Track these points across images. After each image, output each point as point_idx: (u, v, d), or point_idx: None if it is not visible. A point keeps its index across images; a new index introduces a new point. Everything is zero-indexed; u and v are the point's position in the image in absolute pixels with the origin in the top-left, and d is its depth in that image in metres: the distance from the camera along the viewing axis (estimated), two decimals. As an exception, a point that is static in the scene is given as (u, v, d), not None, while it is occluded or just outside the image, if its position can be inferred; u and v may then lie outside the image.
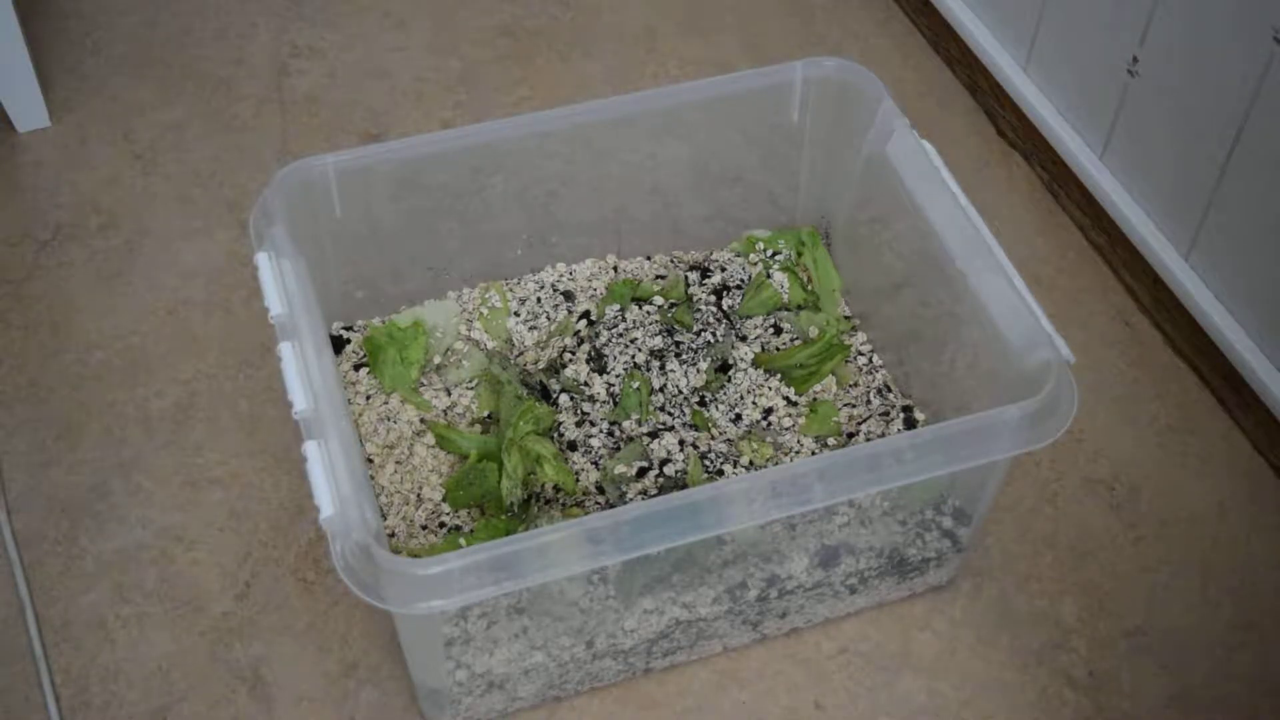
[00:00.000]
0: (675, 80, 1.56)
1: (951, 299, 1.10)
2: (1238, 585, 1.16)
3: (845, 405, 1.20)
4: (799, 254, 1.28)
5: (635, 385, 1.16)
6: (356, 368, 1.21)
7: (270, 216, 1.07)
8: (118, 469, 1.21)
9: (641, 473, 1.12)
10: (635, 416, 1.16)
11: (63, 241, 1.38)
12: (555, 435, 1.15)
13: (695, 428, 1.16)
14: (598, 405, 1.17)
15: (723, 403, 1.18)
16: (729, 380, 1.19)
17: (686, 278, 1.26)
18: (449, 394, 1.19)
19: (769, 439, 1.15)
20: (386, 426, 1.16)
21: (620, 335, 1.21)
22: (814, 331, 1.23)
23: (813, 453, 1.16)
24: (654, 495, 1.10)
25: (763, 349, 1.23)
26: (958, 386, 1.14)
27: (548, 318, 1.24)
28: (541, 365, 1.20)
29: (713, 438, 1.15)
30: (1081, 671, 1.11)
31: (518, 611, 1.00)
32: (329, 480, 0.90)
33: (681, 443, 1.14)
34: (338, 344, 1.23)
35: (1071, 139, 1.38)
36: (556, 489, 1.11)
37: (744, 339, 1.23)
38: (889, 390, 1.21)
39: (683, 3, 1.64)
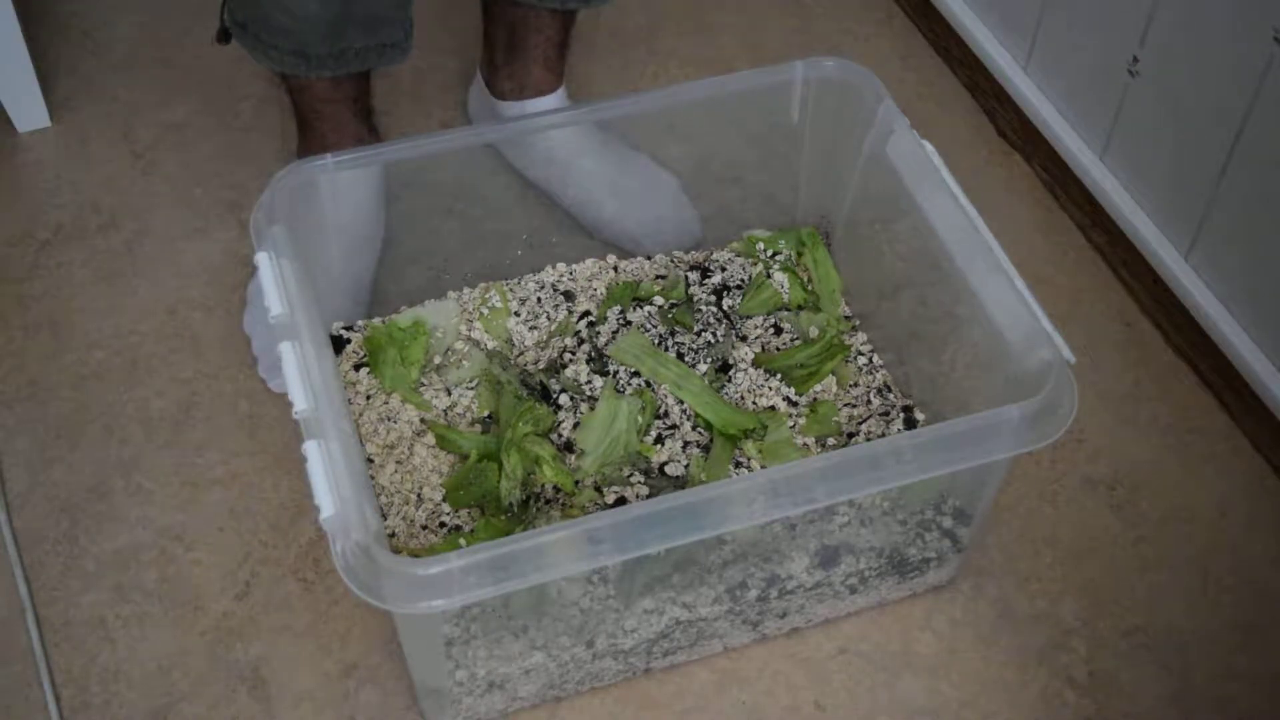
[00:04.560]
0: (675, 80, 1.55)
1: (951, 299, 1.10)
2: (1238, 585, 1.16)
3: (845, 405, 1.20)
4: (799, 254, 1.28)
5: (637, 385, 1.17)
6: (356, 368, 1.21)
7: (270, 216, 1.07)
8: (118, 469, 1.21)
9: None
10: (635, 416, 1.16)
11: (63, 241, 1.38)
12: (555, 435, 1.15)
13: (696, 428, 1.16)
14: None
15: (723, 403, 1.18)
16: (729, 380, 1.19)
17: (686, 278, 1.26)
18: (449, 394, 1.20)
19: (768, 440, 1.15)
20: (386, 426, 1.16)
21: (621, 336, 1.21)
22: (814, 331, 1.23)
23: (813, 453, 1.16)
24: (654, 496, 1.10)
25: (763, 349, 1.23)
26: (958, 386, 1.14)
27: (548, 318, 1.24)
28: (541, 365, 1.20)
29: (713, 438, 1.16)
30: (1081, 671, 1.11)
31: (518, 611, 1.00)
32: (329, 480, 0.90)
33: (685, 444, 1.14)
34: (338, 344, 1.23)
35: (1071, 139, 1.38)
36: (556, 489, 1.11)
37: (744, 339, 1.23)
38: (889, 390, 1.21)
39: (683, 3, 1.64)
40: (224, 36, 1.22)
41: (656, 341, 1.19)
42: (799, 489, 0.92)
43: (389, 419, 1.17)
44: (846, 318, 1.26)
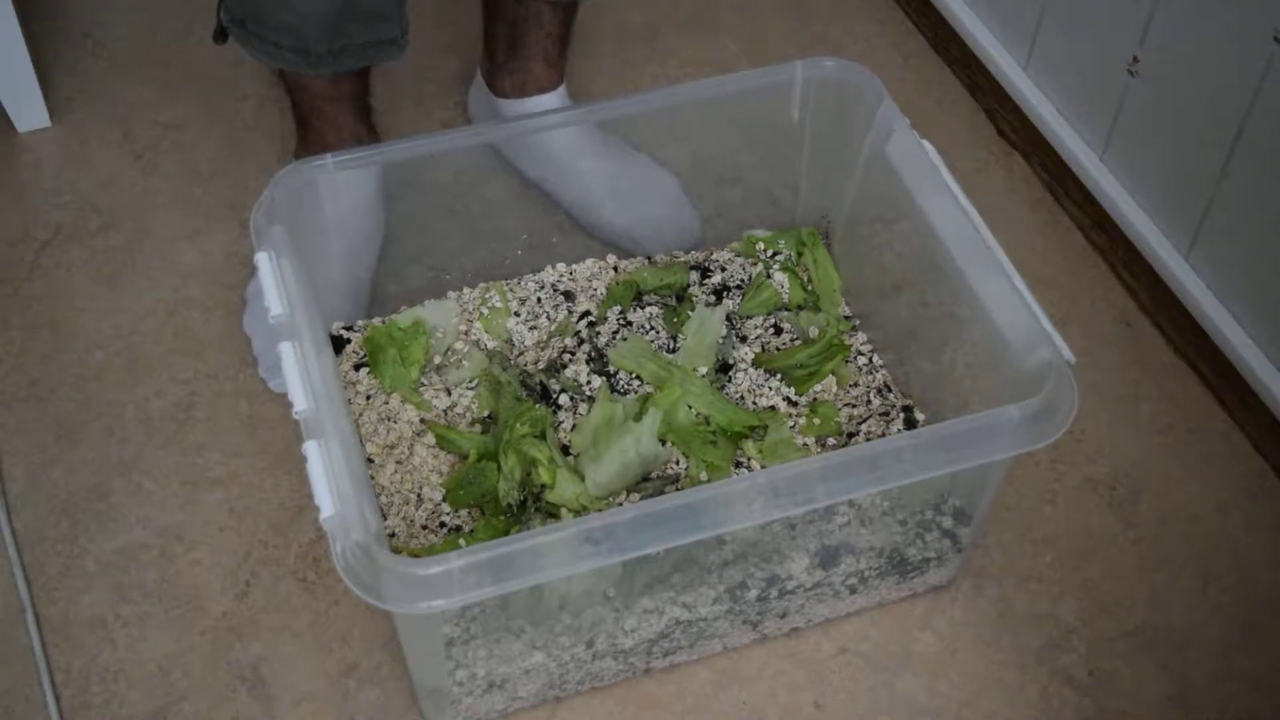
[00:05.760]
0: (675, 80, 1.56)
1: (951, 299, 1.10)
2: (1238, 585, 1.16)
3: (845, 405, 1.20)
4: (799, 254, 1.28)
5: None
6: (356, 368, 1.21)
7: (270, 216, 1.07)
8: (118, 469, 1.21)
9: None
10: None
11: (63, 241, 1.38)
12: (559, 435, 1.15)
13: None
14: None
15: (723, 403, 1.18)
16: (729, 380, 1.19)
17: (687, 278, 1.26)
18: (449, 394, 1.20)
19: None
20: (386, 426, 1.16)
21: (621, 336, 1.21)
22: (814, 331, 1.23)
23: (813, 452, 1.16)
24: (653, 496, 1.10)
25: (763, 349, 1.23)
26: (958, 386, 1.14)
27: (548, 318, 1.24)
28: (541, 365, 1.20)
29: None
30: (1081, 671, 1.11)
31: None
32: (329, 480, 0.90)
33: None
34: (338, 344, 1.23)
35: (1071, 139, 1.38)
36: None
37: (744, 339, 1.23)
38: (889, 390, 1.21)
39: (683, 3, 1.64)
40: (221, 35, 1.22)
41: (656, 344, 1.19)
42: (799, 489, 0.92)
43: (389, 419, 1.17)
44: (846, 318, 1.26)
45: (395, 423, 1.17)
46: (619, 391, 1.17)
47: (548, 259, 1.29)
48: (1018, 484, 1.22)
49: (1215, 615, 1.14)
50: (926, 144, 1.13)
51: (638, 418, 1.12)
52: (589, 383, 1.18)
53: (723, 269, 1.27)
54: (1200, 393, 1.28)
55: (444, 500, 1.12)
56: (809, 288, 1.27)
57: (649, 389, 1.17)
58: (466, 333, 1.24)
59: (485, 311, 1.25)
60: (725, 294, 1.25)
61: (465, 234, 1.25)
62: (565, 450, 1.13)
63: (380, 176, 1.24)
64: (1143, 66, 1.27)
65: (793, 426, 1.17)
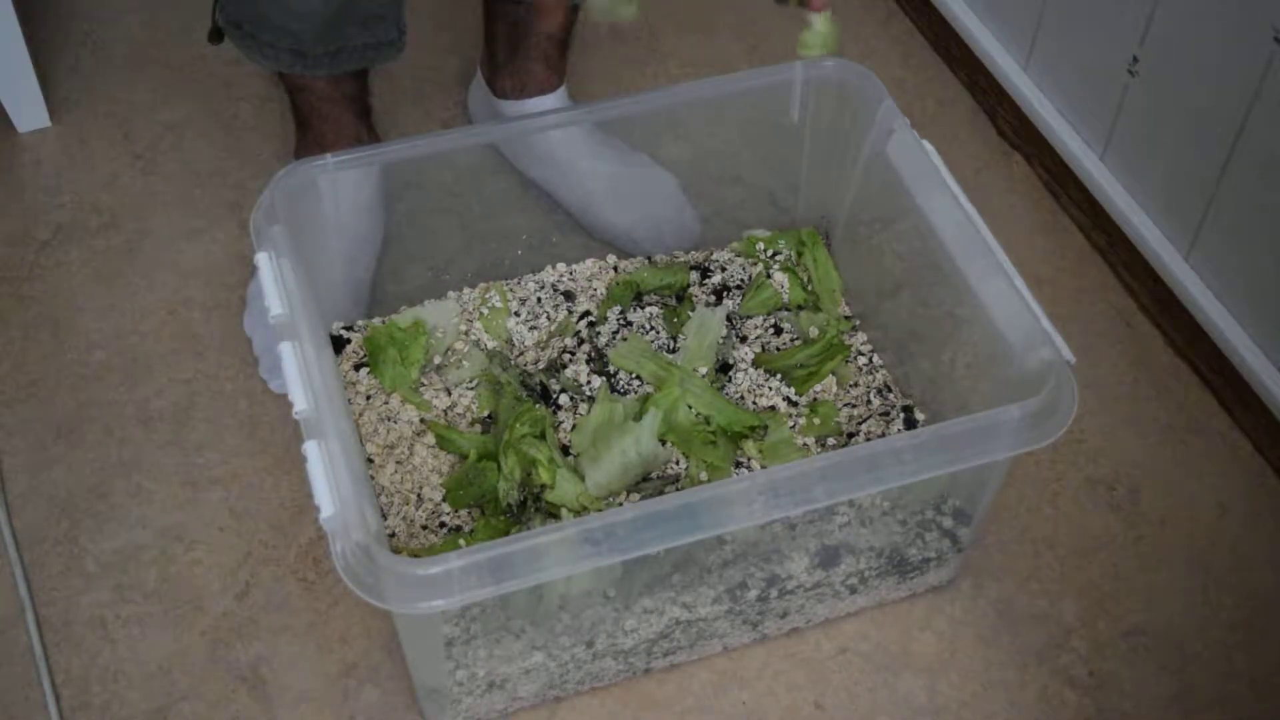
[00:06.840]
0: (675, 80, 1.56)
1: (951, 299, 1.10)
2: (1238, 585, 1.16)
3: (845, 405, 1.20)
4: (799, 254, 1.28)
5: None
6: (356, 368, 1.21)
7: (270, 216, 1.07)
8: (118, 469, 1.21)
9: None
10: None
11: (63, 241, 1.38)
12: (559, 435, 1.15)
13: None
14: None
15: (723, 403, 1.18)
16: (729, 380, 1.19)
17: (687, 278, 1.26)
18: (449, 394, 1.20)
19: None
20: (386, 426, 1.16)
21: (621, 336, 1.21)
22: (814, 331, 1.23)
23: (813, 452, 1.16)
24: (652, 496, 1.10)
25: (763, 349, 1.23)
26: (958, 386, 1.14)
27: (548, 318, 1.24)
28: (542, 365, 1.20)
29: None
30: (1081, 671, 1.11)
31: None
32: (329, 480, 0.90)
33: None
34: (338, 344, 1.23)
35: (1071, 139, 1.38)
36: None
37: (744, 339, 1.23)
38: (889, 390, 1.21)
39: (683, 3, 1.64)
40: (216, 36, 1.22)
41: (656, 344, 1.19)
42: (799, 489, 0.92)
43: (389, 419, 1.17)
44: (846, 318, 1.26)
45: (395, 423, 1.17)
46: (619, 391, 1.17)
47: (548, 259, 1.29)
48: (1018, 484, 1.22)
49: (1215, 615, 1.14)
50: (926, 144, 1.13)
51: (638, 418, 1.12)
52: (589, 383, 1.18)
53: (723, 269, 1.27)
54: (1200, 393, 1.28)
55: (444, 500, 1.12)
56: (809, 288, 1.27)
57: (649, 389, 1.17)
58: (466, 333, 1.24)
59: (485, 311, 1.25)
60: (725, 294, 1.25)
61: (465, 234, 1.25)
62: (565, 450, 1.13)
63: (380, 176, 1.24)
64: (1143, 66, 1.27)
65: (793, 426, 1.17)
